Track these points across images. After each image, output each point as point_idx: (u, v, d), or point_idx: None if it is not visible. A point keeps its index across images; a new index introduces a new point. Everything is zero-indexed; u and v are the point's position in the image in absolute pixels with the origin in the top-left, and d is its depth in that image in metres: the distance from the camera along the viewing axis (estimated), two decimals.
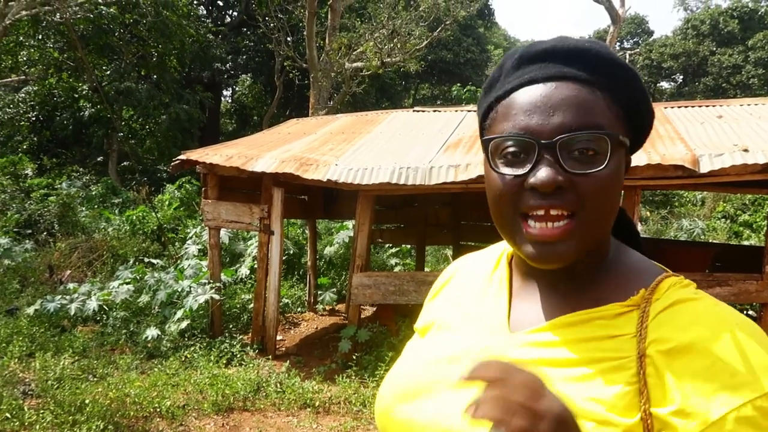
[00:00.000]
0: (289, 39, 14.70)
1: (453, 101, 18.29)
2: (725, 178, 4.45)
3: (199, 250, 8.34)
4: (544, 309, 0.77)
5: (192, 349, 5.68)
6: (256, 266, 6.48)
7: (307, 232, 8.65)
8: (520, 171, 0.70)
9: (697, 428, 0.62)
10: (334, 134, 6.73)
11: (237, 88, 24.71)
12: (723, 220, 13.59)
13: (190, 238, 8.87)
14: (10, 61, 15.14)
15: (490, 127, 0.77)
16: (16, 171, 12.13)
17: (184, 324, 5.98)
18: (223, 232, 8.02)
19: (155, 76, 16.10)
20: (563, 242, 0.69)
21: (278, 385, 4.91)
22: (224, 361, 5.53)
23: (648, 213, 14.78)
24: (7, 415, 3.93)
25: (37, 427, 3.84)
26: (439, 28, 15.68)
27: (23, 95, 15.91)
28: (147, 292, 6.69)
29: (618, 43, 32.81)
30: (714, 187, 6.16)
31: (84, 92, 15.25)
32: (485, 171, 0.76)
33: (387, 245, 9.93)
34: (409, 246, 9.81)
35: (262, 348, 5.99)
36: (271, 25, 14.66)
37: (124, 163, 16.21)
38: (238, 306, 7.08)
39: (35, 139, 16.01)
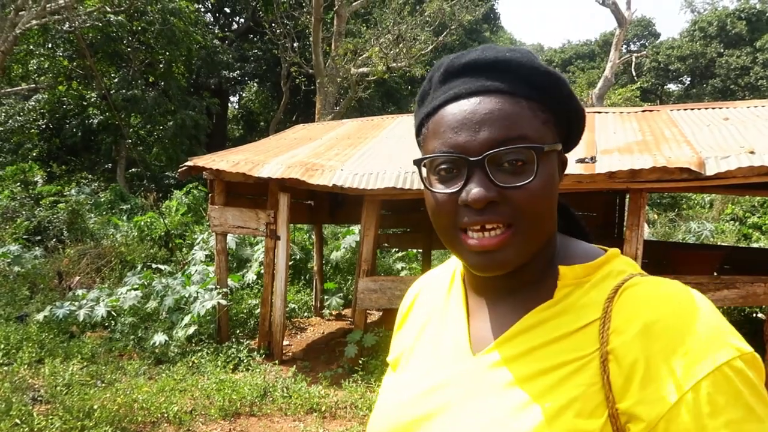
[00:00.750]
0: (295, 45, 14.78)
1: None
2: (732, 180, 4.43)
3: (206, 255, 8.38)
4: (500, 323, 0.78)
5: (199, 354, 5.71)
6: (262, 271, 6.51)
7: (313, 237, 8.68)
8: (454, 188, 0.71)
9: (658, 415, 0.63)
10: (339, 139, 6.76)
11: (244, 94, 24.86)
12: (732, 222, 13.50)
13: (198, 243, 8.91)
14: (20, 70, 15.31)
15: (423, 143, 0.78)
16: (26, 178, 12.25)
17: (191, 329, 6.01)
18: (230, 237, 8.07)
19: (162, 84, 16.22)
20: (501, 251, 0.71)
21: (285, 390, 4.93)
22: (231, 367, 5.55)
23: (656, 216, 14.70)
24: (17, 420, 3.96)
25: None
26: (445, 33, 15.71)
27: (33, 103, 16.07)
28: (155, 297, 6.73)
29: (624, 46, 32.74)
30: (720, 190, 6.12)
31: (93, 100, 15.38)
32: (424, 189, 0.76)
33: (393, 250, 9.93)
34: (415, 250, 9.82)
35: (268, 353, 6.01)
36: (278, 31, 14.75)
37: (132, 169, 16.33)
38: (245, 311, 7.11)
39: (45, 146, 16.17)
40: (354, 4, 14.38)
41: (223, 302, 6.14)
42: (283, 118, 20.27)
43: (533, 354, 0.72)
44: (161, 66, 16.15)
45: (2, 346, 5.44)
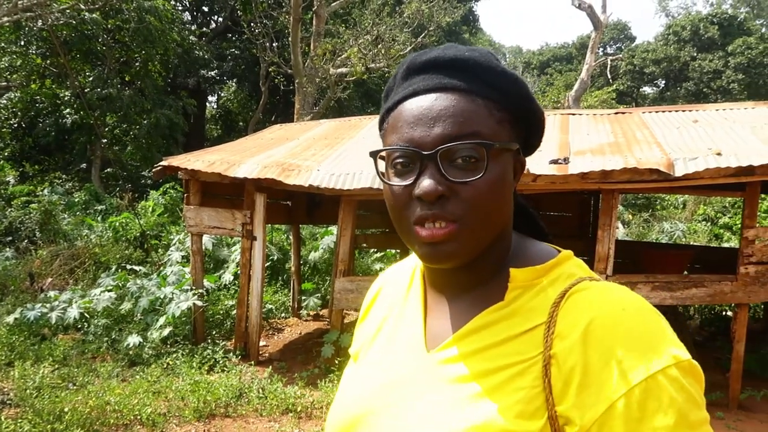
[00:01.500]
0: (274, 45, 14.71)
1: None
2: (699, 181, 4.53)
3: (182, 256, 8.30)
4: (454, 321, 0.79)
5: (174, 356, 5.66)
6: (239, 272, 6.47)
7: (291, 237, 8.65)
8: (408, 182, 0.73)
9: (590, 419, 0.64)
10: (316, 140, 6.75)
11: (222, 94, 24.65)
12: (704, 222, 13.77)
13: (174, 244, 8.83)
14: None
15: (384, 137, 0.80)
16: None
17: (166, 331, 5.95)
18: (207, 238, 8.01)
19: (138, 83, 16.00)
20: (448, 243, 0.72)
21: (260, 390, 4.91)
22: (206, 368, 5.51)
23: (630, 216, 14.94)
24: None
25: None
26: (423, 34, 15.77)
27: (5, 102, 15.74)
28: (129, 299, 6.66)
29: (601, 49, 33.19)
30: (689, 190, 6.25)
31: (67, 99, 15.12)
32: (381, 183, 0.78)
33: (372, 250, 9.94)
34: (393, 251, 9.84)
35: (245, 354, 5.98)
36: (256, 31, 14.66)
37: (108, 169, 16.09)
38: (222, 312, 7.06)
39: (17, 146, 15.84)
40: (333, 4, 14.36)
41: (199, 303, 6.10)
42: (262, 118, 20.15)
43: (481, 354, 0.73)
44: (137, 65, 15.94)
45: None
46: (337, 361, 5.45)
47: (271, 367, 5.61)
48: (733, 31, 29.15)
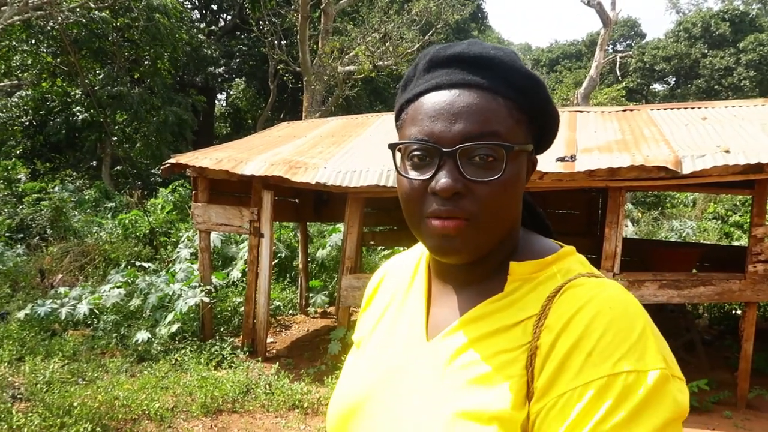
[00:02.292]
0: (282, 43, 14.74)
1: None
2: (707, 179, 4.50)
3: (191, 253, 8.35)
4: (456, 311, 0.81)
5: (182, 351, 5.71)
6: (247, 269, 6.51)
7: (299, 235, 8.68)
8: (425, 176, 0.73)
9: (543, 404, 0.66)
10: (323, 137, 6.77)
11: (231, 92, 24.74)
12: (714, 221, 13.67)
13: (182, 241, 8.88)
14: (3, 66, 15.13)
15: (401, 129, 0.80)
16: (10, 176, 12.12)
17: (174, 327, 6.00)
18: (215, 235, 8.05)
19: (148, 81, 16.10)
20: (458, 238, 0.73)
21: (267, 386, 4.94)
22: (214, 364, 5.55)
23: (640, 214, 14.85)
24: None
25: (25, 430, 3.85)
26: (431, 32, 15.75)
27: (16, 100, 15.88)
28: (138, 295, 6.71)
29: (610, 46, 32.98)
30: (697, 188, 6.21)
31: (77, 97, 15.24)
32: (397, 174, 0.78)
33: (379, 248, 9.96)
34: (401, 248, 9.85)
35: (252, 350, 6.02)
36: (265, 29, 14.72)
37: (118, 167, 16.20)
38: (229, 309, 7.10)
39: (28, 143, 15.99)
40: (341, 2, 14.37)
41: (207, 300, 6.14)
42: (271, 115, 20.21)
43: (477, 343, 0.75)
44: (146, 63, 16.04)
45: None
46: (343, 358, 5.44)
47: (278, 363, 5.64)
48: (744, 28, 28.89)
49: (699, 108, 6.11)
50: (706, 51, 29.25)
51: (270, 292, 6.22)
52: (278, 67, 15.73)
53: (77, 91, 15.21)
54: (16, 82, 15.41)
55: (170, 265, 8.16)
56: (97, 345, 5.90)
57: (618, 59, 21.63)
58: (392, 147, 0.78)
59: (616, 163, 4.54)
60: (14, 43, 14.51)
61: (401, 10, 15.56)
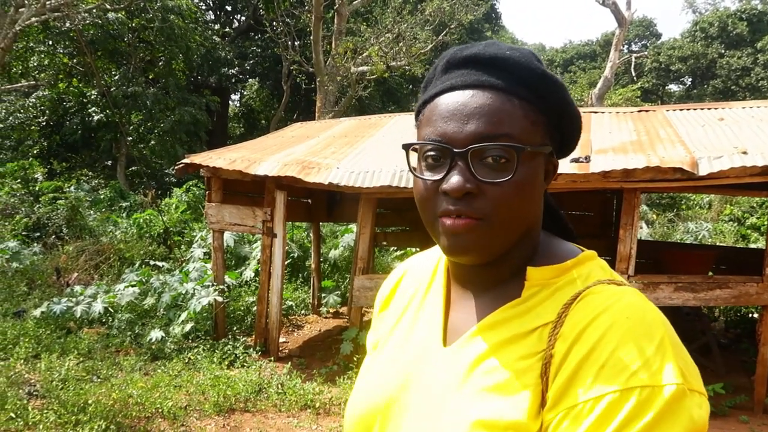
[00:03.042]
0: (295, 43, 14.79)
1: None
2: (724, 180, 4.45)
3: (204, 253, 8.40)
4: (474, 316, 0.80)
5: (195, 350, 5.74)
6: (260, 269, 6.53)
7: (311, 235, 8.70)
8: (437, 176, 0.73)
9: (549, 420, 0.65)
10: (336, 138, 6.78)
11: (245, 93, 24.86)
12: (730, 223, 13.50)
13: (196, 241, 8.94)
14: (20, 67, 15.32)
15: (418, 129, 0.80)
16: (27, 175, 12.27)
17: (188, 326, 6.04)
18: (228, 235, 8.10)
19: (162, 81, 16.24)
20: (469, 236, 0.72)
21: (279, 386, 4.95)
22: (227, 363, 5.58)
23: (655, 216, 14.71)
24: (12, 414, 3.99)
25: (41, 426, 3.89)
26: (445, 32, 15.72)
27: (33, 100, 16.08)
28: (152, 294, 6.76)
29: (626, 46, 32.72)
30: (713, 190, 6.13)
31: (93, 97, 15.40)
32: (412, 175, 0.78)
33: (392, 248, 9.95)
34: (414, 249, 9.84)
35: (264, 350, 6.04)
36: (278, 29, 14.76)
37: (133, 167, 16.35)
38: (242, 308, 7.13)
39: (45, 143, 16.17)
40: (354, 2, 14.39)
41: (220, 299, 6.17)
42: (284, 116, 20.28)
43: (494, 351, 0.74)
44: (161, 63, 16.17)
45: None
46: (355, 358, 5.47)
47: (290, 363, 5.66)
48: (762, 28, 28.52)
49: (716, 109, 6.04)
50: (723, 51, 28.91)
51: (282, 291, 6.24)
52: (292, 67, 15.79)
53: (93, 92, 15.37)
54: (33, 82, 15.60)
55: (184, 264, 8.21)
56: (112, 343, 5.95)
57: (633, 59, 21.44)
58: (406, 147, 0.78)
59: (631, 164, 4.50)
60: (32, 44, 14.70)
61: (415, 10, 15.54)
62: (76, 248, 8.92)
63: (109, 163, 16.96)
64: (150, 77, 16.16)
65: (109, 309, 6.55)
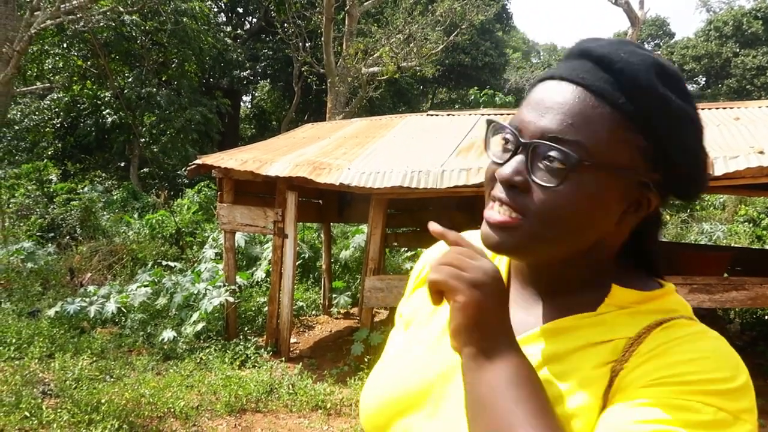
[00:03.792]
0: (306, 45, 14.83)
1: (470, 105, 18.27)
2: (740, 180, 4.39)
3: (216, 253, 8.44)
4: (538, 318, 0.77)
5: (207, 350, 5.76)
6: (271, 269, 6.55)
7: (322, 235, 8.71)
8: (500, 160, 0.72)
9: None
10: (347, 138, 6.78)
11: (256, 94, 24.98)
12: (745, 224, 13.34)
13: (208, 241, 8.98)
14: (35, 70, 15.49)
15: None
16: (41, 176, 12.40)
17: (199, 326, 6.06)
18: (240, 235, 8.13)
19: (175, 83, 16.36)
20: (502, 232, 0.70)
21: (291, 386, 4.96)
22: (238, 363, 5.59)
23: (668, 217, 14.57)
24: (26, 413, 4.02)
25: (55, 425, 3.92)
26: (456, 32, 15.69)
27: (48, 102, 16.26)
28: (164, 294, 6.80)
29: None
30: (729, 190, 6.06)
31: (107, 99, 15.56)
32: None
33: (402, 249, 9.94)
34: (424, 250, 9.81)
35: (276, 350, 6.05)
36: (290, 31, 14.81)
37: (145, 169, 16.49)
38: (254, 309, 7.16)
39: (59, 145, 16.35)
40: (365, 3, 14.40)
41: (231, 299, 6.19)
42: (295, 117, 20.35)
43: (559, 358, 0.71)
44: (174, 66, 16.29)
45: (14, 340, 5.52)
46: (366, 359, 5.47)
47: (301, 363, 5.66)
48: None
49: (731, 108, 5.96)
50: (737, 50, 28.60)
51: (293, 292, 6.25)
52: (302, 69, 15.84)
53: (107, 94, 15.52)
54: (48, 85, 15.77)
55: (195, 264, 8.25)
56: (125, 343, 5.99)
57: None
58: (488, 123, 0.75)
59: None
60: (47, 47, 14.86)
61: (425, 11, 15.53)
62: (90, 249, 9.00)
63: (122, 164, 17.11)
64: (163, 79, 16.29)
65: (122, 309, 6.59)
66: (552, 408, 0.64)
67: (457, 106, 25.79)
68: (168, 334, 5.89)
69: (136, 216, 11.61)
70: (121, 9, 12.63)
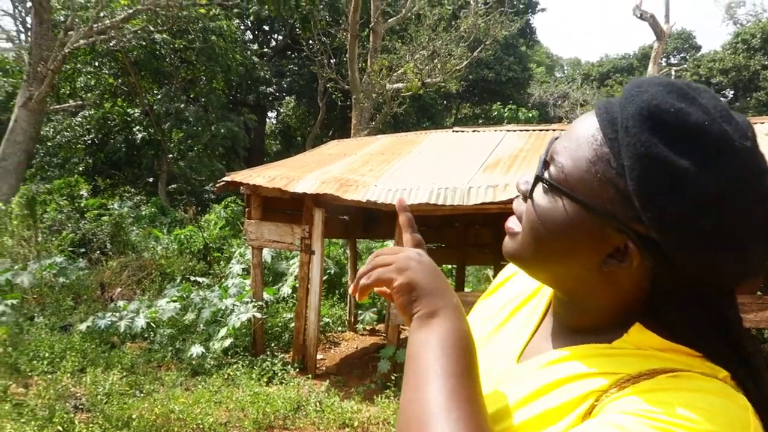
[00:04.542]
0: (331, 61, 15.00)
1: (494, 120, 18.25)
2: None
3: (243, 269, 8.52)
4: (549, 344, 0.79)
5: (234, 366, 5.80)
6: (297, 285, 6.58)
7: (348, 251, 8.73)
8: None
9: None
10: (373, 155, 6.82)
11: (282, 110, 25.29)
12: None
13: (235, 257, 9.07)
14: (68, 88, 15.94)
15: None
16: (73, 192, 12.68)
17: (227, 342, 6.11)
18: (266, 251, 8.19)
19: (203, 100, 16.67)
20: (508, 238, 0.77)
21: (318, 404, 4.96)
22: (265, 380, 5.62)
23: None
24: (59, 428, 4.09)
25: None
26: (479, 49, 15.72)
27: (80, 119, 16.68)
28: (192, 310, 6.87)
29: (664, 59, 32.14)
30: None
31: (136, 116, 15.91)
32: None
33: None
34: (449, 266, 9.78)
35: (302, 367, 6.06)
36: (315, 48, 15.01)
37: (174, 185, 16.76)
38: (280, 325, 7.19)
39: (90, 161, 16.73)
40: (389, 21, 14.55)
41: (258, 315, 6.23)
42: (320, 133, 20.54)
43: (555, 383, 0.70)
44: (202, 83, 16.62)
45: (47, 354, 5.62)
46: (393, 377, 5.44)
47: (328, 381, 5.66)
48: None
49: (762, 123, 5.86)
50: (766, 63, 28.11)
51: (320, 308, 6.26)
52: (327, 85, 16.00)
53: (136, 111, 15.88)
54: (80, 102, 16.21)
55: (223, 280, 8.34)
56: (154, 358, 6.06)
57: (672, 72, 21.05)
58: (552, 141, 0.77)
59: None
60: (79, 65, 15.28)
61: (449, 27, 15.61)
62: (120, 264, 9.15)
63: (151, 179, 17.42)
64: (191, 96, 16.61)
65: (151, 324, 6.68)
66: (475, 370, 0.66)
67: (480, 121, 25.78)
68: (196, 349, 5.94)
69: (164, 231, 11.79)
70: (152, 28, 12.95)
